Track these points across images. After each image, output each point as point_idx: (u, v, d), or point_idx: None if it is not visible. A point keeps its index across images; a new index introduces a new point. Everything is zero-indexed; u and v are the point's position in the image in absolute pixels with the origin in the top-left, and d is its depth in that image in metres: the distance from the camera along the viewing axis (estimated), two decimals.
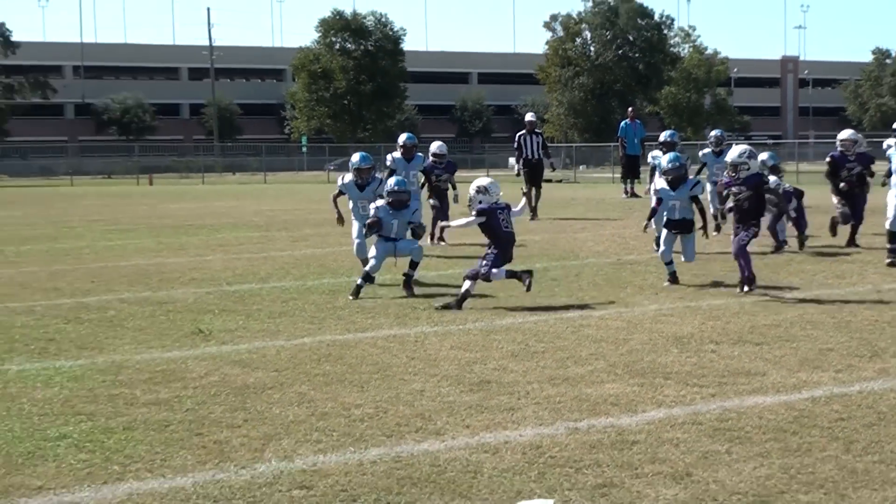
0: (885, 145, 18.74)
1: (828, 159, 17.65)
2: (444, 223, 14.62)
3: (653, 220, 13.84)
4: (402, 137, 17.93)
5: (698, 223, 13.34)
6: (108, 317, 11.50)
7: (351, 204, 14.09)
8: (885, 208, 14.78)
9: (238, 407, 7.52)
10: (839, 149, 17.36)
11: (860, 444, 6.41)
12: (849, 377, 8.19)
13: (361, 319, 11.10)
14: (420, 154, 18.00)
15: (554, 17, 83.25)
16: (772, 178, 15.95)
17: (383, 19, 77.76)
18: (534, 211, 24.08)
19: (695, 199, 13.29)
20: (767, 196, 13.59)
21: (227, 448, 6.53)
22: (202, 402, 7.67)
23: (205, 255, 17.96)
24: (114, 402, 7.71)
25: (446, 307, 11.56)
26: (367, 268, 12.67)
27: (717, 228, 14.95)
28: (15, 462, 6.30)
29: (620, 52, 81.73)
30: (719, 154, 19.08)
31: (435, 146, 18.75)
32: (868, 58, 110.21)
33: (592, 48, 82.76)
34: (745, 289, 12.26)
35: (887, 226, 14.64)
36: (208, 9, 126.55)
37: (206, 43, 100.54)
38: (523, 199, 13.36)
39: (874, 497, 5.53)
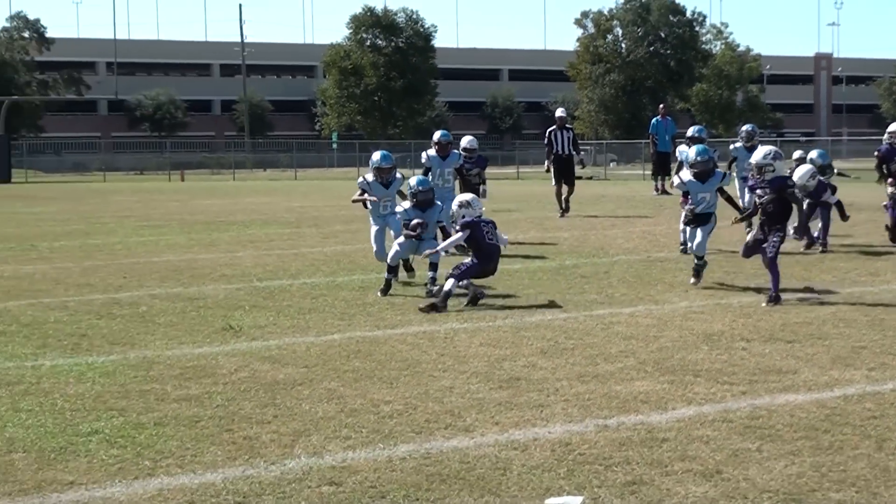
0: None
1: (876, 153, 17.50)
2: (429, 251, 12.54)
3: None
4: (437, 135, 17.52)
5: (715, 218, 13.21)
6: (139, 313, 11.56)
7: (371, 206, 13.90)
8: None
9: (268, 403, 7.54)
10: (887, 142, 17.19)
11: (893, 443, 6.37)
12: (882, 375, 8.13)
13: (391, 316, 11.12)
14: (455, 151, 17.66)
15: (585, 14, 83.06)
16: (799, 172, 15.80)
17: (414, 16, 77.85)
18: (566, 206, 23.96)
19: (721, 191, 13.06)
20: (798, 193, 13.46)
21: (257, 444, 6.55)
22: (232, 398, 7.70)
23: (235, 251, 18.03)
24: (145, 397, 7.76)
25: (432, 308, 11.31)
26: (388, 259, 12.77)
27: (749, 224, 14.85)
28: (47, 457, 6.34)
29: (652, 48, 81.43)
30: (750, 149, 18.61)
31: (465, 141, 18.50)
32: None
33: (624, 45, 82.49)
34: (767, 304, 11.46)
35: None
36: (240, 5, 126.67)
37: (238, 40, 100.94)
38: (505, 236, 12.95)
39: None
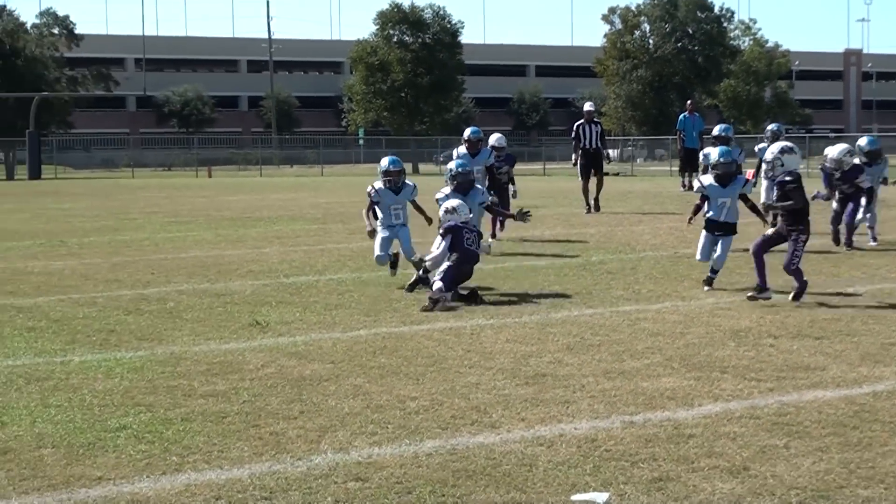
0: None
1: None
2: (428, 258, 12.34)
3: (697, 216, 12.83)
4: (468, 132, 17.17)
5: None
6: (167, 308, 11.61)
7: (381, 214, 13.34)
8: None
9: (294, 399, 7.56)
10: None
11: None
12: None
13: (417, 312, 11.12)
14: (486, 149, 17.27)
15: (612, 11, 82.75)
16: (835, 150, 15.63)
17: (441, 12, 77.68)
18: (596, 206, 23.83)
19: (744, 198, 12.27)
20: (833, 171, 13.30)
21: (284, 440, 6.57)
22: (259, 393, 7.73)
23: (262, 247, 18.08)
24: (172, 393, 7.79)
25: (430, 308, 11.25)
26: (413, 258, 12.79)
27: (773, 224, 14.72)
28: (76, 453, 6.38)
29: (679, 44, 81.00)
30: None
31: (494, 138, 18.28)
32: None
33: (651, 41, 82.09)
34: (794, 299, 11.29)
35: None
36: (268, 2, 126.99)
37: (266, 36, 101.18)
38: (487, 243, 13.04)
39: None
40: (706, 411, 7.04)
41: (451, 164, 13.20)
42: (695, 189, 12.78)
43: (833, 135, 64.88)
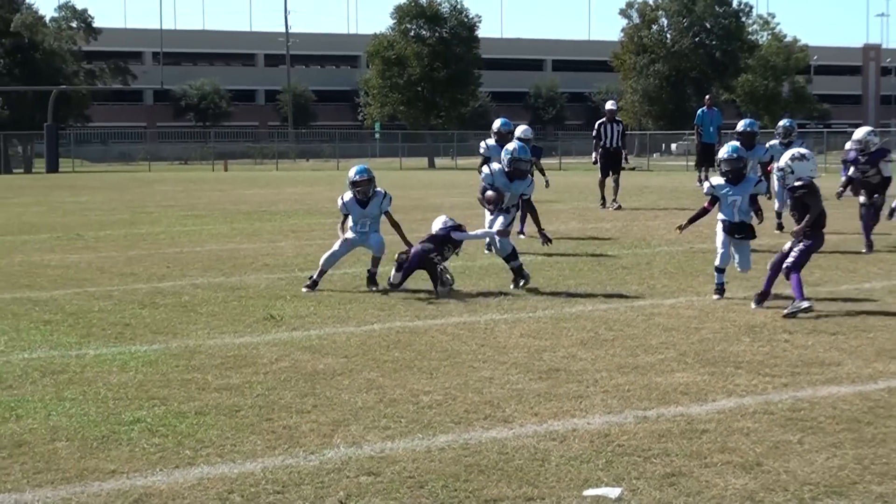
0: None
1: None
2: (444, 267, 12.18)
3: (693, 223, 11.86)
4: (497, 123, 16.81)
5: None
6: (182, 302, 11.64)
7: (350, 223, 12.64)
8: None
9: (308, 393, 7.57)
10: None
11: None
12: None
13: (431, 306, 11.12)
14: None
15: (630, 5, 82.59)
16: (859, 132, 15.43)
17: (458, 6, 77.64)
18: (616, 204, 23.69)
19: (753, 199, 11.49)
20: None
21: (297, 434, 6.58)
22: (272, 387, 7.74)
23: (277, 241, 18.11)
24: (186, 386, 7.81)
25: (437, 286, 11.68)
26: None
27: (780, 227, 14.65)
28: (90, 446, 6.40)
29: (697, 39, 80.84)
30: (787, 146, 17.18)
31: (520, 130, 17.87)
32: None
33: (669, 35, 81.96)
34: (754, 305, 10.71)
35: None
36: None
37: (283, 30, 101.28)
38: (479, 230, 13.00)
39: None
40: (720, 406, 7.03)
41: (512, 146, 12.76)
42: (705, 190, 11.87)
43: (851, 130, 64.67)
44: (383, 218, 12.65)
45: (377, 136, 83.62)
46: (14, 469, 5.98)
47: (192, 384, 7.87)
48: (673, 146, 79.23)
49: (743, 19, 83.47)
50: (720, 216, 11.45)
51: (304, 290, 12.20)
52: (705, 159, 32.71)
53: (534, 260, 14.55)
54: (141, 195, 33.86)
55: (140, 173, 58.11)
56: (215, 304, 11.49)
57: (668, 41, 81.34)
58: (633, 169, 46.40)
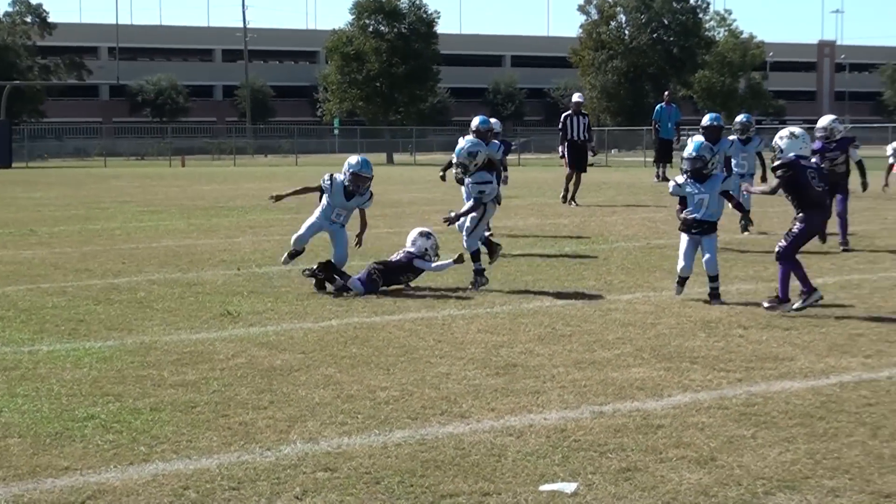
0: None
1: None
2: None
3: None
4: (476, 121, 15.32)
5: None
6: (137, 298, 11.56)
7: (326, 203, 12.34)
8: None
9: (264, 389, 7.54)
10: None
11: (887, 430, 6.37)
12: (878, 362, 8.14)
13: (389, 302, 11.11)
14: (496, 141, 15.67)
15: (588, 1, 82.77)
16: (823, 120, 15.34)
17: (417, 2, 77.61)
18: (567, 196, 23.70)
19: (727, 195, 11.11)
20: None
21: (253, 430, 6.55)
22: (229, 383, 7.70)
23: (235, 236, 18.03)
24: (141, 383, 7.76)
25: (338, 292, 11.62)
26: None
27: (750, 222, 14.61)
28: (43, 442, 6.34)
29: (655, 35, 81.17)
30: (746, 142, 17.18)
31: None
32: None
33: (627, 32, 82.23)
34: (767, 305, 10.43)
35: None
36: None
37: (241, 25, 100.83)
38: (444, 261, 12.32)
39: None
40: (675, 401, 7.07)
41: (461, 144, 12.49)
42: (670, 191, 11.37)
43: (806, 126, 65.16)
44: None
45: (336, 131, 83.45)
46: None
47: (147, 380, 7.82)
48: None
49: (700, 16, 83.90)
50: (686, 213, 11.00)
51: (284, 262, 12.54)
52: (663, 155, 32.96)
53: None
54: (96, 191, 33.62)
55: (96, 169, 57.63)
56: (171, 300, 11.43)
57: (626, 37, 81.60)
58: (591, 165, 46.57)
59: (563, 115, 24.32)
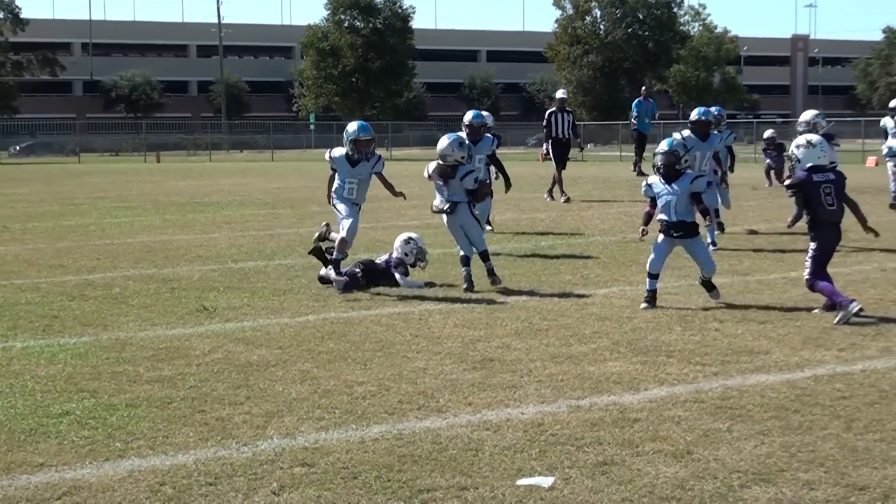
0: (882, 124, 18.51)
1: None
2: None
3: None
4: (469, 116, 14.96)
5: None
6: (112, 294, 11.51)
7: (337, 182, 11.85)
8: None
9: (241, 384, 7.53)
10: None
11: (861, 423, 6.41)
12: (852, 356, 8.18)
13: (366, 297, 11.11)
14: (489, 136, 15.22)
15: None
16: (807, 114, 15.17)
17: None
18: (551, 195, 23.56)
19: (696, 198, 10.51)
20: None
21: (229, 425, 6.54)
22: (205, 379, 7.68)
23: (210, 232, 17.97)
24: (117, 379, 7.73)
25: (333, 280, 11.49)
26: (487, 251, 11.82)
27: (720, 227, 14.58)
28: (17, 439, 6.31)
29: (630, 30, 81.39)
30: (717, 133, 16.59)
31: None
32: (879, 37, 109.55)
33: (602, 26, 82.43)
34: (836, 321, 9.46)
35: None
36: None
37: (216, 20, 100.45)
38: (415, 281, 11.91)
39: (874, 475, 5.52)
40: (651, 395, 7.09)
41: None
42: (643, 191, 10.92)
43: (780, 120, 65.42)
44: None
45: (312, 127, 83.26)
46: None
47: (122, 376, 7.79)
48: (531, 140, 78.77)
49: (675, 10, 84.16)
50: (659, 216, 10.62)
51: (339, 290, 11.37)
52: (642, 147, 33.03)
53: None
54: (70, 187, 33.45)
55: (70, 165, 57.33)
56: (147, 295, 11.38)
57: (601, 32, 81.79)
58: (583, 150, 46.81)
59: (548, 112, 23.99)
